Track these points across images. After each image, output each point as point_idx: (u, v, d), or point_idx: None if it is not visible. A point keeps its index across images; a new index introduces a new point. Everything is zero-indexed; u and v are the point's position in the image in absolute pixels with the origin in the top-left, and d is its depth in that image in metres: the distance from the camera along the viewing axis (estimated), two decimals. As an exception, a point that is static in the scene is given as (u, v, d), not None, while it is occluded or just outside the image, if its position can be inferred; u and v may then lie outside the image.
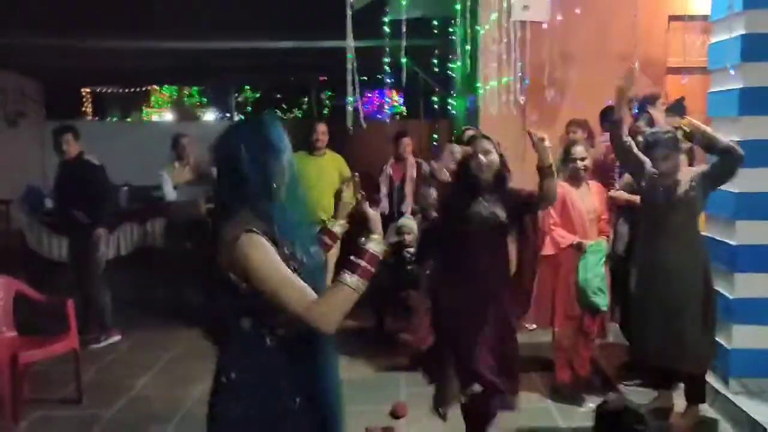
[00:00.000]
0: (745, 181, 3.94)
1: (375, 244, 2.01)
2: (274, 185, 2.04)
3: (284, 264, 1.95)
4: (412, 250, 5.77)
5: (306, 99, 17.16)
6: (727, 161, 3.67)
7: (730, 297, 4.05)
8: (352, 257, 1.98)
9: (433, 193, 5.40)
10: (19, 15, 8.11)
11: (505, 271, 3.69)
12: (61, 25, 8.62)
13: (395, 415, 4.39)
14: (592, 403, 4.48)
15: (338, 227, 2.54)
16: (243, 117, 16.30)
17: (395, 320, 5.97)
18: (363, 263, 1.96)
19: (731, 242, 4.04)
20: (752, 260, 3.98)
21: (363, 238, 2.03)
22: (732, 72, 4.03)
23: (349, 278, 1.93)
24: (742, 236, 4.01)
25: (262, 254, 1.93)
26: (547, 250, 4.60)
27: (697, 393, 3.96)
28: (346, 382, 4.65)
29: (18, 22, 8.29)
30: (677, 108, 5.82)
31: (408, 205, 6.38)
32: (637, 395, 4.36)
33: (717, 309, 3.92)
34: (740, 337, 4.04)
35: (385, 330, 5.91)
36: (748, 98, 3.92)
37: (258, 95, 17.83)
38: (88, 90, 16.28)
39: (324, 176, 6.05)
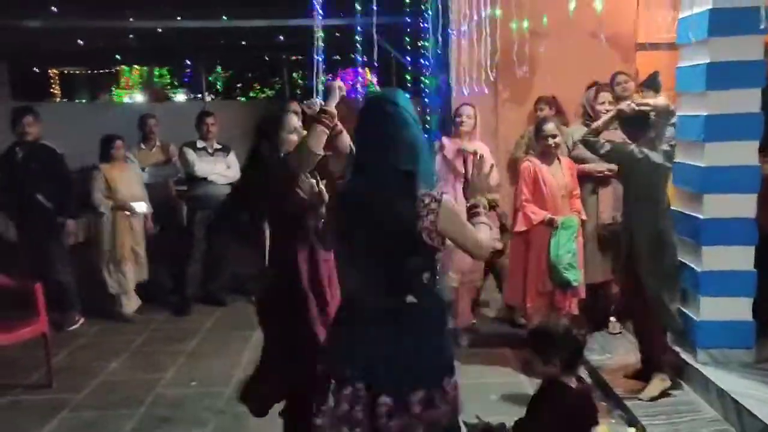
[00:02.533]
0: (712, 155, 3.98)
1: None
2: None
3: None
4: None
5: (278, 79, 17.00)
6: None
7: (698, 270, 4.09)
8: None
9: None
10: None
11: None
12: (28, 5, 8.42)
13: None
14: (563, 377, 4.54)
15: None
16: (213, 98, 16.18)
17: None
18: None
19: (699, 216, 4.08)
20: (719, 233, 4.02)
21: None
22: (698, 46, 4.04)
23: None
24: (709, 210, 4.04)
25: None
26: (519, 226, 4.63)
27: (654, 364, 4.05)
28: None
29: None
30: (652, 83, 5.85)
31: None
32: (608, 368, 4.41)
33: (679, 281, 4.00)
34: (708, 309, 4.08)
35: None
36: (715, 73, 3.94)
37: (229, 75, 17.63)
38: (55, 71, 15.96)
39: None
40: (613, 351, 4.67)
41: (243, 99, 17.46)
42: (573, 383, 2.64)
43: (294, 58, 14.96)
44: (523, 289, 4.63)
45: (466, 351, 5.08)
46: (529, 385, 4.44)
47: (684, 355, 4.15)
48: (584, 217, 4.69)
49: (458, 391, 2.40)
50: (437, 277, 2.41)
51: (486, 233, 2.43)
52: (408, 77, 9.38)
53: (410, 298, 2.30)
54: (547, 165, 4.59)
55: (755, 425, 3.40)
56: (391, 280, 2.30)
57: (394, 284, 2.31)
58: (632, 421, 3.83)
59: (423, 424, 2.28)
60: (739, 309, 4.08)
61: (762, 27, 3.47)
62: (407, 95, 2.42)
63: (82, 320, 5.87)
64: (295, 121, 3.27)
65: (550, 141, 4.56)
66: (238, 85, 18.14)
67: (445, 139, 5.20)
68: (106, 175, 5.94)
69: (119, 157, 6.00)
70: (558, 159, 4.65)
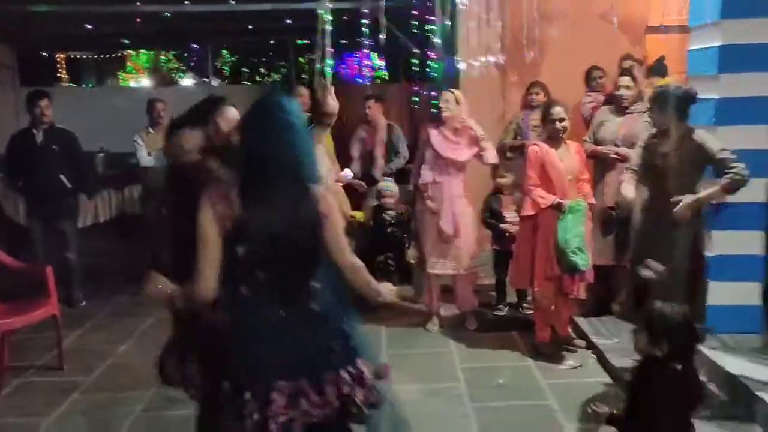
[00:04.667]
0: (724, 139, 3.95)
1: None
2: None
3: None
4: (392, 212, 5.77)
5: (284, 63, 16.93)
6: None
7: (708, 255, 4.08)
8: None
9: None
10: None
11: None
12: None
13: (378, 376, 4.39)
14: (571, 361, 4.55)
15: None
16: (220, 82, 16.16)
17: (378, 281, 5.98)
18: None
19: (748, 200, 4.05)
20: (728, 218, 4.01)
21: None
22: (711, 29, 4.01)
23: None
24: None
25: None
26: (527, 210, 4.61)
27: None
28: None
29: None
30: (659, 68, 5.82)
31: (379, 169, 6.30)
32: (616, 352, 4.42)
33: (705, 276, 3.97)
34: (716, 293, 4.08)
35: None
36: (728, 55, 3.91)
37: (236, 59, 17.56)
38: (63, 56, 15.94)
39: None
40: (621, 335, 4.66)
41: (249, 83, 17.41)
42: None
43: (301, 41, 14.86)
44: (530, 274, 4.62)
45: (473, 335, 5.11)
46: (536, 370, 4.46)
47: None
48: (593, 200, 4.67)
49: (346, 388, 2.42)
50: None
51: (370, 282, 2.52)
52: (415, 61, 9.35)
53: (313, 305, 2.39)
54: (555, 149, 4.57)
55: (764, 409, 3.41)
56: (288, 287, 2.36)
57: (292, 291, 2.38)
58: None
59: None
60: (748, 294, 4.07)
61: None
62: (292, 99, 2.46)
63: (84, 303, 5.95)
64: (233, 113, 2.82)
65: (558, 125, 4.53)
66: (245, 70, 18.07)
67: (432, 130, 5.13)
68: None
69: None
70: (565, 143, 4.62)
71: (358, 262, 2.48)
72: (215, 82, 15.67)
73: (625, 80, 5.03)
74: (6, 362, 4.43)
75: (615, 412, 2.84)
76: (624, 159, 4.73)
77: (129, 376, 4.45)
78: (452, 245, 5.08)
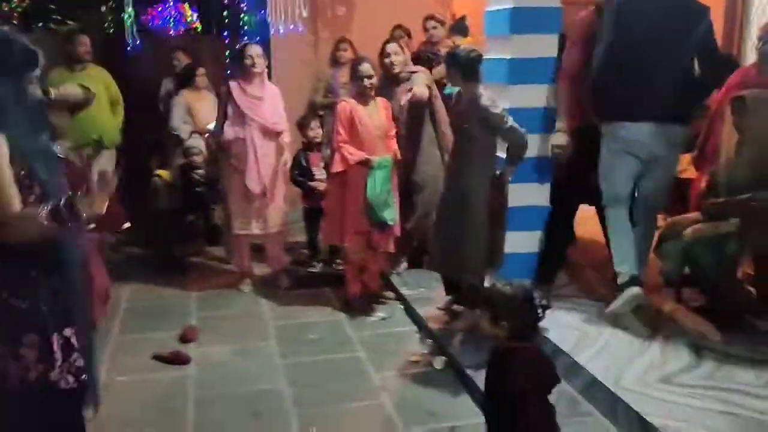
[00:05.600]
0: (515, 97, 4.18)
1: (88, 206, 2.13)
2: None
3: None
4: (201, 171, 5.56)
5: (83, 10, 15.59)
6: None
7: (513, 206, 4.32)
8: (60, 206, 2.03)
9: None
10: None
11: None
12: None
13: (185, 339, 4.28)
14: (380, 313, 4.69)
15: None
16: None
17: (184, 244, 5.78)
18: (63, 213, 2.03)
19: (501, 155, 4.29)
20: (522, 172, 4.27)
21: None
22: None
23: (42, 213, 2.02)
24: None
25: None
26: (336, 167, 4.62)
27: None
28: (131, 311, 4.45)
29: None
30: (460, 27, 6.03)
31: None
32: (422, 302, 4.61)
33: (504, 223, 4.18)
34: (513, 243, 4.35)
35: (174, 255, 5.69)
36: (519, 17, 4.11)
37: (26, 4, 15.88)
38: None
39: None
40: (426, 285, 4.86)
41: (43, 30, 15.87)
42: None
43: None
44: (341, 229, 4.67)
45: (286, 293, 5.10)
46: (348, 324, 4.55)
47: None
48: (399, 156, 4.77)
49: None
50: None
51: (25, 227, 2.08)
52: (227, 14, 8.99)
53: None
54: (364, 105, 4.60)
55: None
56: None
57: None
58: (443, 350, 4.04)
59: None
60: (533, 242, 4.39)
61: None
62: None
63: None
64: None
65: (366, 81, 4.55)
66: (36, 14, 16.43)
67: (233, 83, 4.95)
68: (187, 102, 5.89)
69: (201, 84, 6.04)
70: (374, 100, 4.67)
71: None
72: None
73: (392, 47, 5.01)
74: None
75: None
76: None
77: None
78: (259, 205, 4.98)
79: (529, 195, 4.30)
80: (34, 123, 2.17)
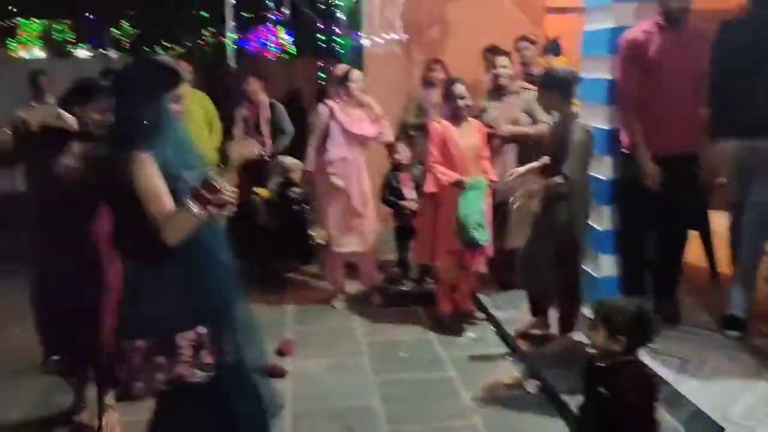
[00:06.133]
0: (616, 118, 4.12)
1: (220, 182, 2.25)
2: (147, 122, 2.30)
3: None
4: (297, 190, 5.72)
5: (188, 36, 16.42)
6: None
7: (599, 229, 4.27)
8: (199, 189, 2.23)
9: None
10: None
11: None
12: None
13: (281, 352, 4.41)
14: (471, 333, 4.68)
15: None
16: (118, 54, 15.51)
17: (280, 260, 5.95)
18: (204, 193, 2.22)
19: (601, 177, 4.23)
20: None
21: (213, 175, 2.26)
22: (603, 11, 4.16)
23: (190, 201, 2.22)
24: (612, 170, 4.21)
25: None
26: (429, 187, 4.68)
27: (565, 323, 4.19)
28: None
29: None
30: (553, 48, 5.99)
31: (268, 148, 6.09)
32: (514, 324, 4.58)
33: (584, 248, 4.12)
34: (607, 266, 4.28)
35: (270, 270, 5.86)
36: (618, 37, 4.06)
37: (136, 31, 16.87)
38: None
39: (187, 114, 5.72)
40: (520, 307, 4.81)
41: (150, 56, 16.81)
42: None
43: (205, 14, 14.46)
44: (432, 249, 4.71)
45: (377, 310, 5.17)
46: (438, 343, 4.57)
47: (584, 310, 4.32)
48: (493, 178, 4.77)
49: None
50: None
51: (180, 222, 2.24)
52: (321, 36, 9.29)
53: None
54: (457, 126, 4.64)
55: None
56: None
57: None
58: (535, 374, 3.99)
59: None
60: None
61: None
62: (147, 61, 2.58)
63: None
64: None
65: (460, 102, 4.60)
66: (144, 42, 17.41)
67: (331, 103, 5.12)
68: None
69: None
70: (467, 120, 4.70)
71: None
72: (114, 54, 15.03)
73: (502, 60, 5.09)
74: None
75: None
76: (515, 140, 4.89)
77: (20, 361, 4.24)
78: (359, 222, 5.10)
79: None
80: (177, 137, 2.38)
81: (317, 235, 5.25)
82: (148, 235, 2.26)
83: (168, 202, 2.26)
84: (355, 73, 5.13)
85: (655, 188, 3.90)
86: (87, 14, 14.45)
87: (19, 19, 15.94)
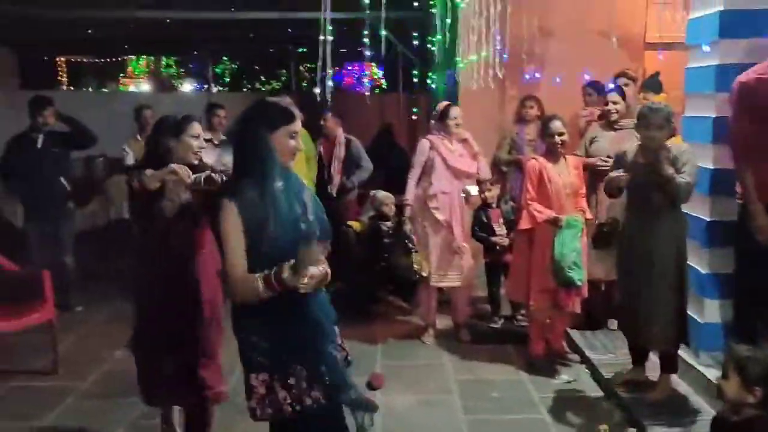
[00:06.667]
0: (720, 157, 3.98)
1: (289, 276, 2.26)
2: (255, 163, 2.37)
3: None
4: (389, 223, 5.78)
5: (284, 71, 17.00)
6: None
7: (703, 272, 4.10)
8: (271, 275, 2.27)
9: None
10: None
11: None
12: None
13: (371, 386, 4.42)
14: (564, 375, 4.56)
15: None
16: (220, 88, 16.24)
17: (371, 293, 6.00)
18: (274, 283, 2.27)
19: (705, 218, 4.08)
20: (725, 236, 4.03)
21: (285, 265, 2.27)
22: (709, 48, 4.04)
23: (260, 281, 2.28)
24: (715, 212, 4.05)
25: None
26: (523, 224, 4.63)
27: (669, 364, 4.03)
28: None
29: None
30: (653, 84, 5.85)
31: (335, 185, 6.23)
32: (610, 367, 4.44)
33: (689, 287, 3.96)
34: (711, 311, 4.10)
35: (361, 302, 5.92)
36: (725, 75, 3.93)
37: (236, 66, 17.62)
38: (63, 59, 16.01)
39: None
40: (616, 350, 4.68)
41: (249, 90, 17.48)
42: None
43: (300, 50, 14.96)
44: (526, 287, 4.64)
45: (467, 347, 5.12)
46: (531, 383, 4.47)
47: (687, 357, 4.16)
48: (589, 216, 4.68)
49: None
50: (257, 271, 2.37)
51: (247, 291, 2.31)
52: (415, 72, 9.40)
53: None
54: (553, 163, 4.59)
55: None
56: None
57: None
58: (634, 421, 3.84)
59: None
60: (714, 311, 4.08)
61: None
62: (262, 100, 2.56)
63: (80, 308, 5.97)
64: (197, 128, 3.24)
65: (557, 138, 4.55)
66: (245, 77, 18.14)
67: (433, 138, 5.17)
68: None
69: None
70: (564, 157, 4.65)
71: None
72: (215, 89, 15.73)
73: (613, 96, 5.04)
74: None
75: None
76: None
77: (125, 383, 4.43)
78: (458, 256, 5.11)
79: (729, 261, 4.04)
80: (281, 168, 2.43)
81: (416, 266, 5.20)
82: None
83: (238, 262, 2.31)
84: (455, 110, 5.17)
85: (765, 242, 3.69)
86: (194, 51, 15.22)
87: (130, 56, 17.00)
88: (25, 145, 5.75)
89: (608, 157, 4.92)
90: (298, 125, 2.46)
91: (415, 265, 5.13)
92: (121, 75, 18.12)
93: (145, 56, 17.41)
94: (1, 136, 5.93)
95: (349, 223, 6.12)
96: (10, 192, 6.31)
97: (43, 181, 5.73)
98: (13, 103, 11.65)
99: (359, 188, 6.51)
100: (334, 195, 6.18)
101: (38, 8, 8.78)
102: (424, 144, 5.21)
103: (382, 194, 5.96)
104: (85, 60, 16.44)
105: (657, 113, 3.81)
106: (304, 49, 14.48)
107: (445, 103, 5.37)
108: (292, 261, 2.26)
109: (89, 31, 11.28)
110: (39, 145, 5.73)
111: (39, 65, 14.19)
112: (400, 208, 5.49)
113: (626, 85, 5.65)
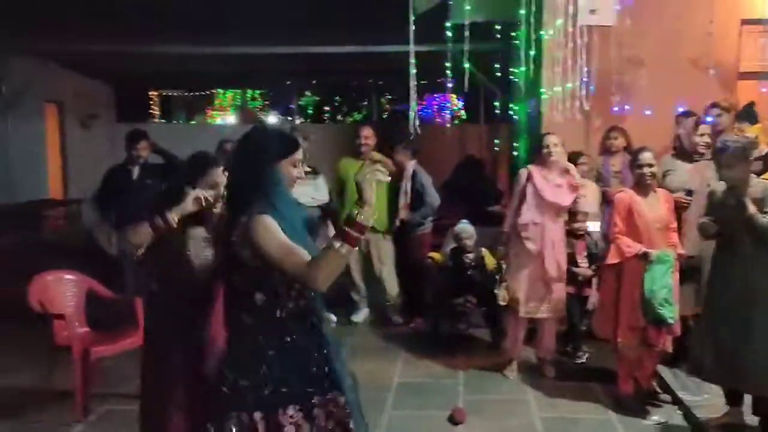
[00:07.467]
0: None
1: (363, 216, 2.22)
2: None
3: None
4: (471, 255, 5.74)
5: (365, 103, 17.27)
6: None
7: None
8: (343, 227, 2.23)
9: None
10: (93, 22, 8.44)
11: None
12: (131, 32, 8.92)
13: (454, 421, 4.36)
14: (655, 416, 4.38)
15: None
16: (302, 120, 16.62)
17: (453, 325, 5.96)
18: (350, 231, 2.21)
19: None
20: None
21: (356, 211, 2.23)
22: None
23: (338, 244, 2.20)
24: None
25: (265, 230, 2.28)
26: (612, 258, 4.50)
27: (765, 407, 3.82)
28: (404, 386, 4.68)
29: (92, 29, 8.62)
30: (747, 114, 5.64)
31: (399, 216, 6.21)
32: (704, 409, 4.24)
33: None
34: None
35: (442, 334, 5.88)
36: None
37: (318, 99, 18.02)
38: (155, 93, 16.79)
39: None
40: (710, 391, 4.46)
41: (331, 122, 17.83)
42: None
43: (380, 82, 15.20)
44: (614, 323, 4.50)
45: (551, 383, 5.00)
46: (619, 424, 4.32)
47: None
48: (681, 251, 4.52)
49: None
50: (281, 300, 2.36)
51: (330, 263, 2.21)
52: (496, 103, 9.38)
53: (245, 318, 2.38)
54: (643, 196, 4.46)
55: None
56: (229, 299, 2.50)
57: (231, 302, 2.49)
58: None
59: None
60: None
61: None
62: (265, 129, 2.64)
63: None
64: (219, 174, 3.27)
65: (646, 170, 4.42)
66: (327, 108, 18.52)
67: (532, 168, 5.14)
68: None
69: None
70: (654, 190, 4.51)
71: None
72: (298, 120, 16.12)
73: (704, 128, 4.90)
74: (92, 389, 4.60)
75: None
76: None
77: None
78: (549, 289, 5.02)
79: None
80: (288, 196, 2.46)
81: (501, 296, 5.13)
82: (258, 309, 2.34)
83: (302, 252, 2.27)
84: (548, 138, 5.08)
85: None
86: (277, 84, 15.68)
87: (217, 89, 17.65)
88: (121, 177, 6.02)
89: (688, 191, 4.78)
90: (300, 154, 2.50)
91: (501, 296, 5.06)
92: (209, 108, 18.81)
93: (232, 89, 18.03)
94: (99, 166, 6.24)
95: (430, 254, 6.12)
96: (106, 221, 6.60)
97: (138, 211, 5.96)
98: (110, 135, 12.36)
99: (435, 220, 6.50)
100: (397, 228, 6.19)
101: (133, 44, 9.26)
102: (522, 173, 5.19)
103: (462, 226, 5.93)
104: (175, 93, 17.19)
105: (725, 152, 3.69)
106: (384, 81, 14.70)
107: (544, 132, 5.34)
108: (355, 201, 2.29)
109: (180, 66, 11.80)
110: (134, 177, 6.00)
111: (133, 98, 14.91)
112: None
113: (719, 115, 5.48)
